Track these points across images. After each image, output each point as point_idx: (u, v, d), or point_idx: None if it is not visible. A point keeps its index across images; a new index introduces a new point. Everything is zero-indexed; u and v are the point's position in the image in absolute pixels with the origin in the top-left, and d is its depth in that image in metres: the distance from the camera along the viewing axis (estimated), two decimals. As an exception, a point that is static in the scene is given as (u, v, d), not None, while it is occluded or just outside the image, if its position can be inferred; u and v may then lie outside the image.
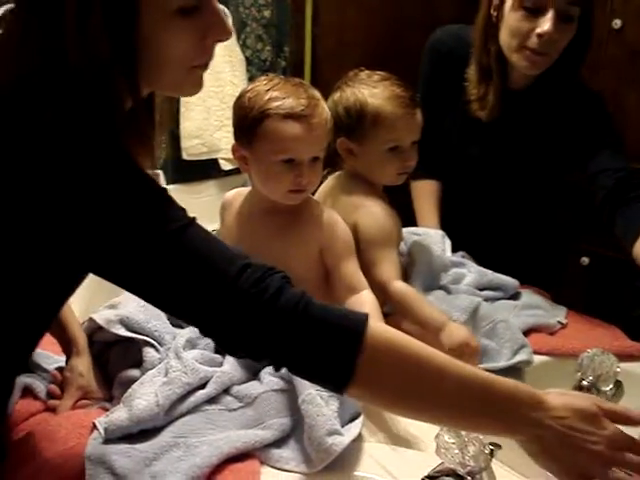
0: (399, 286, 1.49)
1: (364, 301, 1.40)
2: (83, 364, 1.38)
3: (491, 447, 1.04)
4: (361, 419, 1.27)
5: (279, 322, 0.97)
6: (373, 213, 1.55)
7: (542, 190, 1.93)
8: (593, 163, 1.69)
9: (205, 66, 1.09)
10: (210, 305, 0.98)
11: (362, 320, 0.99)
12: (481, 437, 1.01)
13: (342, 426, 1.22)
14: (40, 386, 1.35)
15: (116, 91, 1.00)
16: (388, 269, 1.50)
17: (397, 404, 1.04)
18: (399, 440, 1.27)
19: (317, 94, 1.42)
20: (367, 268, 1.49)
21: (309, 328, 0.97)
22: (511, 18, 1.65)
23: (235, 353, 1.09)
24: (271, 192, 1.43)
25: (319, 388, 1.21)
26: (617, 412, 1.05)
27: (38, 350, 1.40)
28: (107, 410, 1.27)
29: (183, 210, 1.01)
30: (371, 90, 1.54)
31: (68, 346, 1.41)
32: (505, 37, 1.68)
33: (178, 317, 1.08)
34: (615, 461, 1.01)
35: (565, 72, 1.72)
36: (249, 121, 1.38)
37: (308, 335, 0.97)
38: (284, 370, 1.23)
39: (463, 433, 0.99)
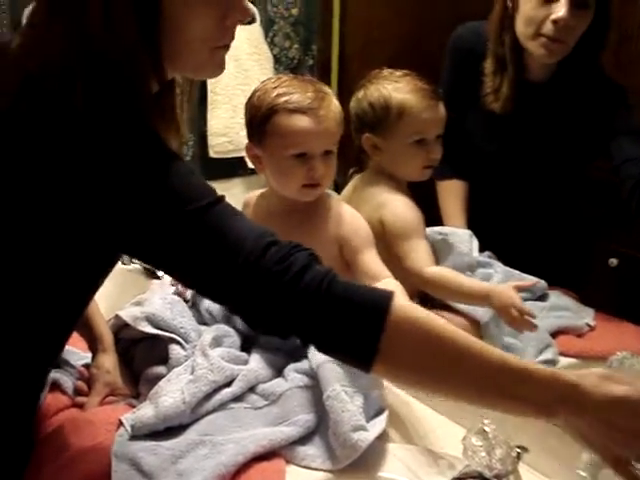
0: (434, 269, 1.51)
1: (387, 286, 1.39)
2: (110, 361, 1.39)
3: (518, 450, 1.04)
4: (386, 414, 1.27)
5: (303, 300, 0.97)
6: (398, 207, 1.56)
7: (566, 186, 1.91)
8: (617, 153, 1.67)
9: (226, 47, 1.10)
10: (234, 283, 0.98)
11: (386, 297, 0.98)
12: (508, 440, 1.00)
13: (367, 422, 1.22)
14: (68, 382, 1.36)
15: (142, 72, 1.02)
16: (420, 257, 1.52)
17: (423, 381, 1.02)
18: (425, 441, 1.27)
19: (326, 88, 1.43)
20: (399, 261, 1.50)
21: (333, 306, 0.97)
22: (526, 6, 1.64)
23: (262, 330, 1.09)
24: (285, 189, 1.43)
25: (344, 384, 1.21)
26: None
27: (66, 346, 1.41)
28: (134, 407, 1.28)
29: (210, 189, 1.02)
30: (394, 85, 1.56)
31: (94, 343, 1.41)
32: (521, 26, 1.67)
33: (204, 295, 1.09)
34: None
35: (584, 61, 1.70)
36: (259, 119, 1.40)
37: (332, 312, 0.97)
38: (308, 366, 1.25)
39: (490, 436, 0.98)
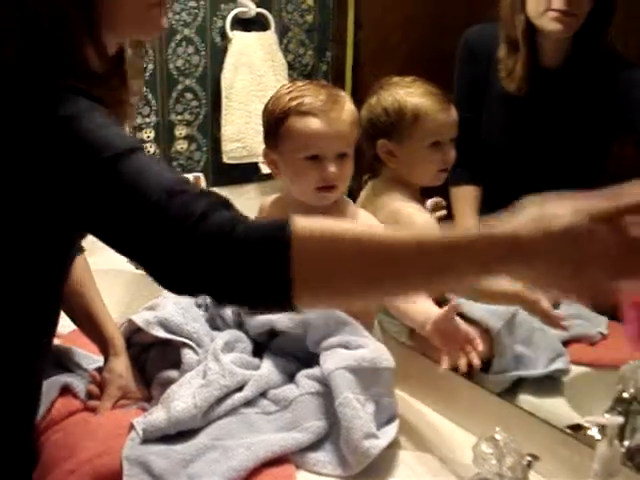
0: None
1: None
2: (121, 365, 1.40)
3: (529, 458, 1.03)
4: (397, 422, 1.27)
5: (203, 248, 0.91)
6: (412, 213, 1.55)
7: (586, 177, 1.90)
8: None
9: (160, 4, 1.10)
10: (139, 235, 0.94)
11: (283, 224, 0.90)
12: (520, 448, 1.00)
13: (378, 429, 1.22)
14: (80, 385, 1.37)
15: (73, 31, 1.02)
16: None
17: (349, 290, 0.93)
18: (436, 449, 1.27)
19: (340, 92, 1.45)
20: None
21: (234, 250, 0.90)
22: None
23: (172, 288, 0.99)
24: (300, 192, 1.43)
25: (356, 391, 1.21)
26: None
27: (78, 350, 1.42)
28: (145, 410, 1.29)
29: (130, 138, 1.03)
30: (406, 90, 1.57)
31: (105, 347, 1.42)
32: (532, 3, 1.68)
33: (117, 251, 1.02)
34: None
35: (594, 41, 1.70)
36: (273, 123, 1.42)
37: (234, 258, 0.90)
38: (320, 373, 1.25)
39: (501, 444, 0.98)
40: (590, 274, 0.85)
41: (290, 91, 1.42)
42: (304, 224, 0.91)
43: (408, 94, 1.55)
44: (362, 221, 1.45)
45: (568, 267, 0.85)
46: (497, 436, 1.00)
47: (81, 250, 1.49)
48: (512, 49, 1.75)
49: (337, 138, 1.39)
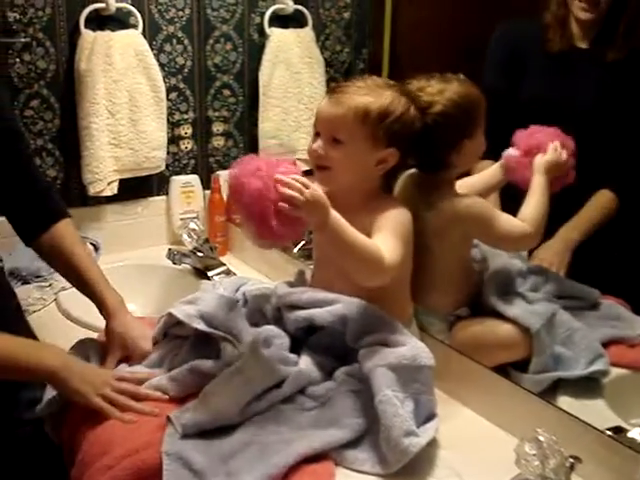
0: (526, 222, 1.55)
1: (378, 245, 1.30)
2: (119, 324, 1.46)
3: (572, 460, 1.02)
4: (436, 420, 1.26)
5: None
6: (466, 199, 1.55)
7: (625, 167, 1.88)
8: None
9: None
10: None
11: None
12: (562, 450, 0.99)
13: (418, 427, 1.22)
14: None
15: None
16: (511, 222, 1.55)
17: None
18: (475, 448, 1.26)
19: (375, 83, 1.39)
20: (500, 242, 1.57)
21: None
22: None
23: None
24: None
25: (395, 389, 1.21)
26: None
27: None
28: (179, 405, 1.28)
29: None
30: (457, 83, 1.54)
31: (101, 311, 1.49)
32: None
33: None
34: None
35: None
36: None
37: None
38: (359, 370, 1.25)
39: (545, 445, 0.97)
40: None
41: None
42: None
43: (461, 87, 1.53)
44: (383, 210, 1.37)
45: None
46: (540, 437, 0.99)
47: (66, 215, 1.54)
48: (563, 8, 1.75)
49: (330, 120, 1.35)
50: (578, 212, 1.71)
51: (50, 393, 1.35)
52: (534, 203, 1.56)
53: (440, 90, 1.51)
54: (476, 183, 1.70)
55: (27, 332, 1.58)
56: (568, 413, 1.28)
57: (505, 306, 1.55)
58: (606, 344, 1.55)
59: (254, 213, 1.17)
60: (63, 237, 1.51)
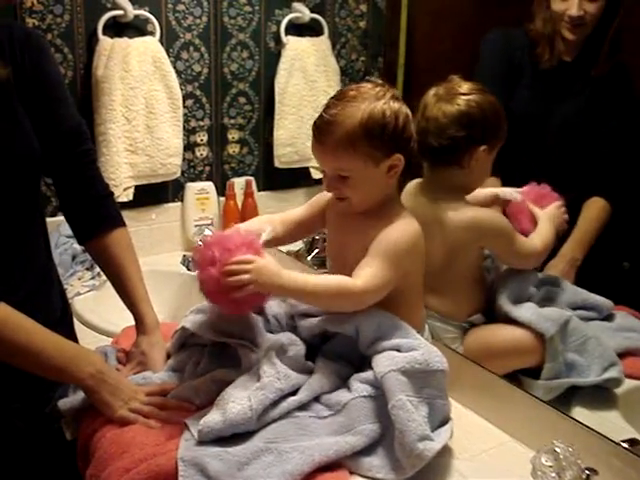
0: (537, 241, 1.63)
1: (339, 280, 1.33)
2: (147, 343, 1.48)
3: (588, 472, 1.02)
4: (451, 424, 1.26)
5: None
6: (487, 212, 1.61)
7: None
8: None
9: None
10: None
11: None
12: (579, 462, 0.99)
13: (432, 431, 1.22)
14: (111, 355, 1.50)
15: None
16: (525, 242, 1.60)
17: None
18: (490, 459, 1.26)
19: (345, 107, 1.32)
20: (512, 258, 1.61)
21: None
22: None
23: None
24: None
25: (409, 394, 1.21)
26: None
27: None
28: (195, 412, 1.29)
29: None
30: (483, 91, 1.57)
31: (137, 325, 1.51)
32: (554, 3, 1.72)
33: None
34: None
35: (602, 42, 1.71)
36: None
37: None
38: (373, 376, 1.25)
39: (562, 456, 0.97)
40: None
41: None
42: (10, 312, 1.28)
43: (486, 95, 1.55)
44: (389, 228, 1.36)
45: None
46: (557, 448, 0.99)
47: (120, 224, 1.55)
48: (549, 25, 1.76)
49: (325, 162, 1.35)
50: (575, 225, 1.73)
51: (79, 392, 1.37)
52: (544, 231, 1.62)
53: (469, 90, 1.55)
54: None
55: (70, 331, 1.61)
56: (583, 424, 1.28)
57: (519, 311, 1.55)
58: (620, 355, 1.55)
59: (217, 298, 1.31)
60: (113, 246, 1.53)
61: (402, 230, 1.35)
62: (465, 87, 1.56)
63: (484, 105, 1.55)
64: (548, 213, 1.66)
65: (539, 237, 1.61)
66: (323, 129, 1.32)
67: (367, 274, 1.31)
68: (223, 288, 1.26)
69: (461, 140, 1.54)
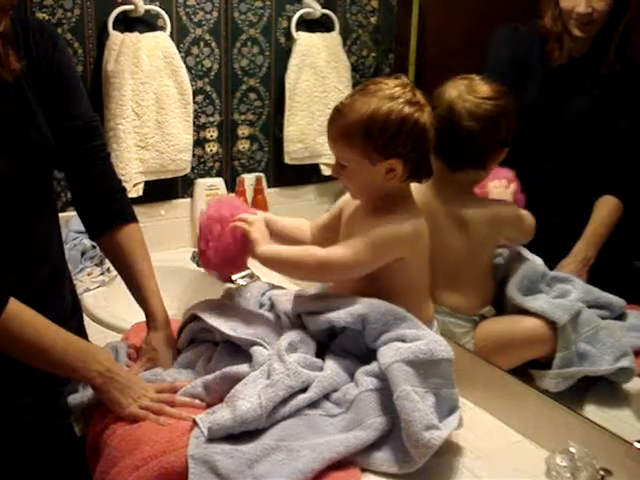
0: None
1: (308, 248, 1.43)
2: (158, 339, 1.48)
3: (602, 473, 1.01)
4: (458, 412, 1.25)
5: None
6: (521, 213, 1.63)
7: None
8: None
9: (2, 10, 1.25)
10: None
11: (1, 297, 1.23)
12: (594, 462, 0.98)
13: (440, 421, 1.21)
14: (122, 351, 1.50)
15: None
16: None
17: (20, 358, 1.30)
18: (503, 459, 1.25)
19: (354, 100, 1.32)
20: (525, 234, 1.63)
21: None
22: None
23: None
24: None
25: (414, 384, 1.20)
26: None
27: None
28: (205, 408, 1.28)
29: None
30: (503, 98, 1.56)
31: (148, 321, 1.51)
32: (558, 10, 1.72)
33: None
34: None
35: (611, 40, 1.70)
36: None
37: None
38: (378, 368, 1.24)
39: (577, 457, 0.96)
40: None
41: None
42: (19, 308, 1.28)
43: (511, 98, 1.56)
44: (370, 233, 1.36)
45: None
46: (572, 449, 0.98)
47: (132, 219, 1.55)
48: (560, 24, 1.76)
49: (331, 148, 1.37)
50: (588, 224, 1.72)
51: (89, 388, 1.36)
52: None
53: (490, 93, 1.54)
54: None
55: (80, 326, 1.61)
56: (597, 424, 1.27)
57: (531, 302, 1.55)
58: (636, 354, 1.53)
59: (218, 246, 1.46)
60: (125, 242, 1.53)
61: (396, 221, 1.34)
62: (490, 90, 1.55)
63: (508, 109, 1.55)
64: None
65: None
66: (333, 116, 1.35)
67: (335, 248, 1.36)
68: (225, 245, 1.44)
69: (489, 145, 1.55)
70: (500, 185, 1.67)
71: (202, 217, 1.50)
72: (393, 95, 1.30)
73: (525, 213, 1.63)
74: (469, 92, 1.55)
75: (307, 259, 1.37)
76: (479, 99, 1.53)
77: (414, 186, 1.41)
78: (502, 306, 1.61)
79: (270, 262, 1.42)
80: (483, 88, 1.55)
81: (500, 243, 1.67)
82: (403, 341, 1.27)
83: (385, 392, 1.24)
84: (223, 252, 1.46)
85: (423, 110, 1.31)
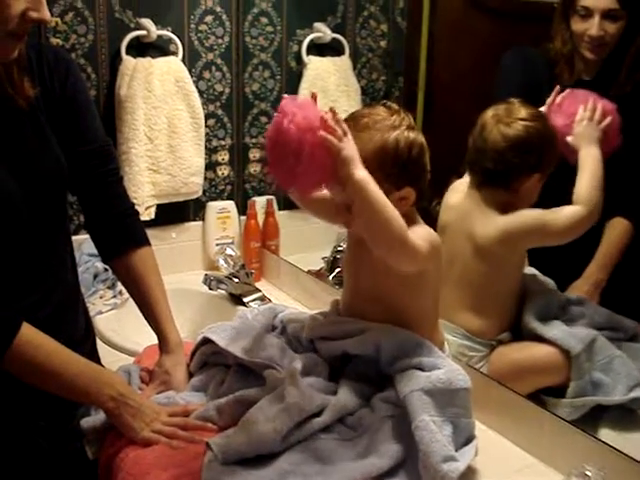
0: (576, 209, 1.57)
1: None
2: (170, 362, 1.48)
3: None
4: (475, 442, 1.25)
5: None
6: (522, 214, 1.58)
7: None
8: None
9: (18, 37, 1.23)
10: None
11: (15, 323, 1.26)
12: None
13: (456, 450, 1.20)
14: (134, 374, 1.50)
15: None
16: (560, 215, 1.56)
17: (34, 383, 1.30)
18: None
19: (379, 121, 1.29)
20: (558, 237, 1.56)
21: None
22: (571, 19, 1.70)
23: None
24: None
25: (432, 413, 1.19)
26: None
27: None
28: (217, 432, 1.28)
29: None
30: (538, 121, 1.57)
31: (160, 344, 1.51)
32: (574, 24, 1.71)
33: None
34: None
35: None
36: None
37: None
38: (395, 396, 1.23)
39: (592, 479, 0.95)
40: None
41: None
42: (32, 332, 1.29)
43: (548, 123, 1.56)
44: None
45: None
46: (588, 472, 0.98)
47: (145, 243, 1.56)
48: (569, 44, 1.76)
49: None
50: (599, 246, 1.71)
51: (101, 412, 1.36)
52: (585, 181, 1.56)
53: (525, 115, 1.55)
54: None
55: (92, 350, 1.61)
56: (611, 447, 1.26)
57: (545, 328, 1.54)
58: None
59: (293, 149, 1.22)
60: (138, 265, 1.53)
61: (429, 230, 1.33)
62: (525, 112, 1.57)
63: (543, 133, 1.56)
64: (583, 154, 1.59)
65: (582, 195, 1.55)
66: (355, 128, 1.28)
67: (413, 236, 1.25)
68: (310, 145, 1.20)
69: (517, 166, 1.55)
70: (586, 116, 1.61)
71: (285, 126, 1.24)
72: (394, 124, 1.29)
73: (555, 217, 1.55)
74: (505, 113, 1.57)
75: (399, 222, 1.22)
76: (512, 119, 1.55)
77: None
78: (520, 329, 1.60)
79: (363, 192, 1.20)
80: (519, 110, 1.57)
81: (525, 261, 1.65)
82: (420, 369, 1.27)
83: (401, 420, 1.23)
84: (318, 168, 1.21)
85: (418, 132, 1.31)
